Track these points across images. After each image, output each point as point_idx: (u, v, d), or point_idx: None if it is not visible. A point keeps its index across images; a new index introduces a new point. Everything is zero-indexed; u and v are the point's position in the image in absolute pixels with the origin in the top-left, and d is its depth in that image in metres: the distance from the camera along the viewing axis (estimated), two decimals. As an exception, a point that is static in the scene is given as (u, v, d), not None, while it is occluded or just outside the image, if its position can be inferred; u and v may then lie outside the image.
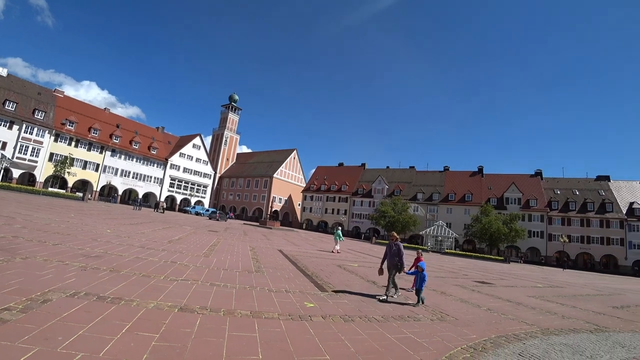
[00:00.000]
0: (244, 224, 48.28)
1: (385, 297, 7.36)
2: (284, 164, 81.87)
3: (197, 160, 71.62)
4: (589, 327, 7.19)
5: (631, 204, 54.96)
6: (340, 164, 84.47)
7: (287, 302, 5.91)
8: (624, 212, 54.47)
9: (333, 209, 74.15)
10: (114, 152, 57.20)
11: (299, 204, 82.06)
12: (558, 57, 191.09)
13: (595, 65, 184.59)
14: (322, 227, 73.11)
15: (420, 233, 55.03)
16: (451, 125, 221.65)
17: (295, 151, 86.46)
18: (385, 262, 7.64)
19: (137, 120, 77.77)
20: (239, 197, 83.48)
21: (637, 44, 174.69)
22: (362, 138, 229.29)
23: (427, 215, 64.12)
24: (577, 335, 6.21)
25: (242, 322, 4.49)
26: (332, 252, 18.97)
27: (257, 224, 50.12)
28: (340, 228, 23.13)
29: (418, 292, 7.31)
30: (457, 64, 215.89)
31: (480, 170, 69.63)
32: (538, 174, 65.52)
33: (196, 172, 71.43)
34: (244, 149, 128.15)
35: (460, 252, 47.30)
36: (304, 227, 75.53)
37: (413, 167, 76.58)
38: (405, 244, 51.40)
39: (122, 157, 58.47)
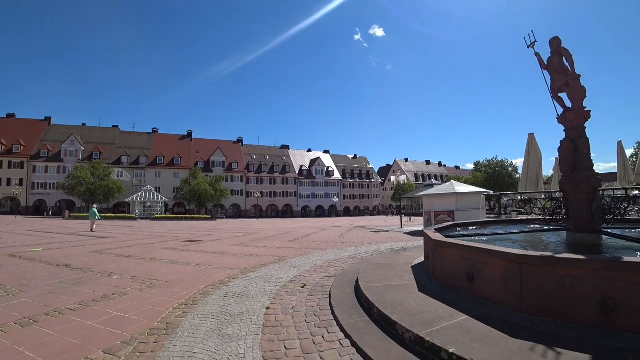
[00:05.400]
0: None
1: None
2: None
3: None
4: (274, 259, 9.05)
5: (301, 166, 76.82)
6: (10, 115, 61.65)
7: None
8: (297, 172, 75.09)
9: (1, 179, 53.92)
10: None
11: None
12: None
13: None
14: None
15: (127, 200, 50.47)
16: (160, 85, 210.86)
17: None
18: None
19: None
20: None
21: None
22: (44, 82, 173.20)
23: (134, 181, 59.60)
24: (267, 268, 7.66)
25: None
26: (91, 231, 19.31)
27: None
28: (95, 206, 24.30)
29: None
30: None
31: (190, 134, 72.09)
32: (240, 140, 76.38)
33: None
34: None
35: (170, 216, 47.34)
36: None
37: (117, 126, 67.81)
38: (110, 214, 45.63)
39: None
